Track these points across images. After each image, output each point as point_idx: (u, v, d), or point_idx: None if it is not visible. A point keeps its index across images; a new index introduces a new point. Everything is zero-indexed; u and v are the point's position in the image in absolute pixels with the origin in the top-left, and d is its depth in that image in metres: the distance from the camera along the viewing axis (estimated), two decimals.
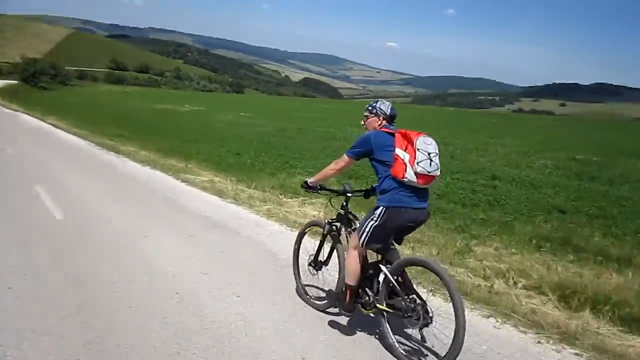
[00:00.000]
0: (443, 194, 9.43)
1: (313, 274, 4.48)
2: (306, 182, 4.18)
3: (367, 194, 4.28)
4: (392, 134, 3.64)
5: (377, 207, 3.59)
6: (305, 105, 52.55)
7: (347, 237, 4.09)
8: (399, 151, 3.52)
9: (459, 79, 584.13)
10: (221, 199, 8.88)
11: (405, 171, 3.47)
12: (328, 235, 4.29)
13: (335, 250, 4.24)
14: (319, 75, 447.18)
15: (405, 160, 3.48)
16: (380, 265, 3.75)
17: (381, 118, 3.83)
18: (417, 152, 3.47)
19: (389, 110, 3.85)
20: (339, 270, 4.11)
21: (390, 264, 3.71)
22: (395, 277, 3.62)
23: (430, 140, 3.59)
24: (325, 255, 4.38)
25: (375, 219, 3.59)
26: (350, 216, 4.19)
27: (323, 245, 4.37)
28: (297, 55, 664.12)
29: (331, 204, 4.40)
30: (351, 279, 3.82)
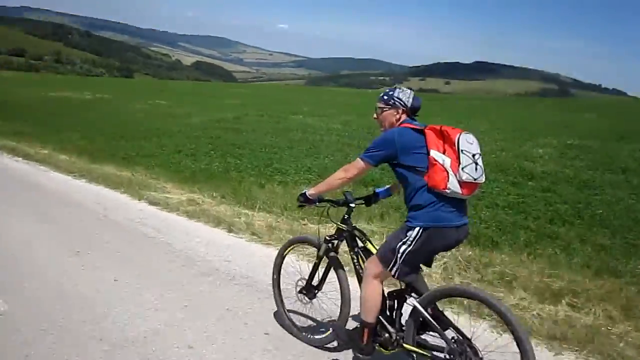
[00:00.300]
0: (511, 206, 7.35)
1: (305, 303, 3.69)
2: (303, 194, 3.30)
3: (369, 200, 3.51)
4: (421, 132, 2.90)
5: (411, 228, 2.86)
6: (215, 90, 48.60)
7: (354, 258, 3.32)
8: (435, 154, 2.80)
9: (350, 60, 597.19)
10: (230, 234, 6.11)
11: (448, 180, 2.75)
12: (325, 257, 3.48)
13: (335, 275, 3.44)
14: (212, 59, 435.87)
15: (445, 166, 2.76)
16: (408, 296, 3.07)
17: (400, 111, 3.07)
18: (460, 154, 2.76)
19: (410, 101, 3.08)
20: (342, 301, 3.42)
21: (417, 293, 3.04)
22: (427, 310, 2.92)
23: (472, 137, 2.87)
24: (319, 278, 3.60)
25: (409, 242, 2.85)
26: (357, 232, 3.38)
27: (318, 268, 3.57)
28: (188, 38, 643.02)
29: (327, 215, 3.42)
30: (371, 315, 3.09)
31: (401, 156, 2.89)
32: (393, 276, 2.98)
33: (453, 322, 2.95)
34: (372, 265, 3.04)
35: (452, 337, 2.87)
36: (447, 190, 2.76)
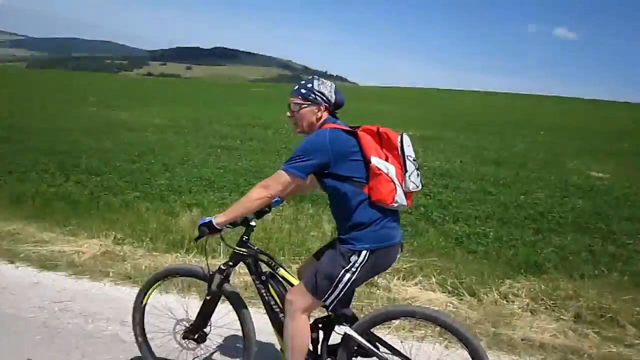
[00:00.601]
0: (491, 217, 6.67)
1: (189, 349, 2.91)
2: (208, 223, 2.51)
3: (259, 213, 2.88)
4: (354, 134, 2.42)
5: (354, 252, 2.42)
6: None
7: (261, 288, 2.74)
8: (377, 161, 2.37)
9: (81, 41, 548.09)
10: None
11: (395, 192, 2.38)
12: (219, 292, 2.77)
13: (234, 311, 2.81)
14: None
15: (391, 176, 2.38)
16: (338, 325, 2.63)
17: (323, 108, 2.52)
18: (406, 160, 2.42)
19: (333, 95, 2.55)
20: (247, 344, 2.80)
21: (348, 319, 2.64)
22: (364, 337, 2.58)
23: (408, 139, 2.50)
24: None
25: (354, 270, 2.42)
26: (263, 256, 2.77)
27: (210, 305, 2.80)
28: None
29: (221, 239, 2.71)
30: (300, 355, 2.57)
31: (335, 165, 2.40)
32: (327, 307, 2.56)
33: (393, 345, 2.69)
34: (299, 298, 2.54)
35: None
36: (394, 204, 2.40)
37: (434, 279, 4.82)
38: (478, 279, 4.85)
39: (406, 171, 2.45)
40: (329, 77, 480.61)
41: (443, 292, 4.69)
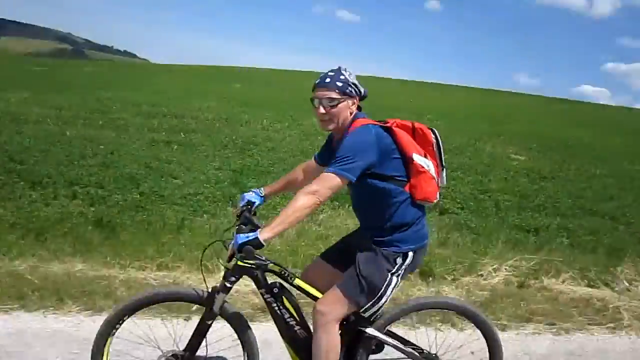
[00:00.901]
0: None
1: None
2: (255, 239, 2.21)
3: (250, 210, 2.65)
4: (389, 129, 2.40)
5: (398, 254, 2.41)
6: None
7: (272, 303, 2.52)
8: (419, 159, 2.38)
9: None
10: None
11: (438, 190, 2.47)
12: (220, 314, 2.50)
13: (239, 342, 2.59)
14: None
15: (432, 173, 2.43)
16: (363, 329, 2.56)
17: (356, 101, 2.45)
18: (442, 156, 2.50)
19: (362, 87, 2.47)
20: None
21: (366, 321, 2.55)
22: (386, 335, 2.62)
23: None
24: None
25: (401, 273, 2.44)
26: (274, 267, 2.50)
27: (206, 332, 2.50)
28: None
29: (225, 246, 2.42)
30: None
31: (380, 164, 2.32)
32: (363, 315, 2.48)
33: (409, 340, 2.71)
34: (335, 307, 2.41)
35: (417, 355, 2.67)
36: (434, 201, 2.46)
37: (570, 274, 5.06)
38: (597, 269, 5.22)
39: (443, 167, 2.48)
40: (116, 52, 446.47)
41: (586, 286, 4.98)
